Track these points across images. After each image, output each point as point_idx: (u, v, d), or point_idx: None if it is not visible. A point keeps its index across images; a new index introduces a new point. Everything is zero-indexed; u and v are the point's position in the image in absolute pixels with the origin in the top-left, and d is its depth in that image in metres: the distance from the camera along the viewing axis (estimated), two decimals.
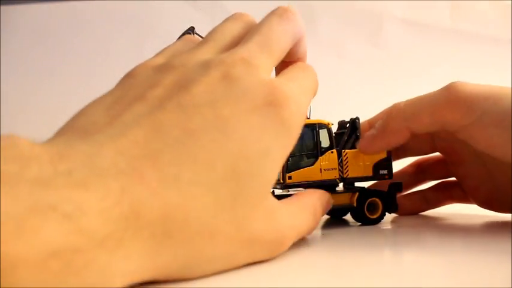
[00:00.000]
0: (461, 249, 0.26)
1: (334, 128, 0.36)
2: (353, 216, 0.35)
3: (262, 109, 0.22)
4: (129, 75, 0.24)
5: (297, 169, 0.32)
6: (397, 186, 0.35)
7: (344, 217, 0.39)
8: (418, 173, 0.39)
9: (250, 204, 0.21)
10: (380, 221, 0.34)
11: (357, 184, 0.35)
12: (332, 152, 0.33)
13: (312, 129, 0.33)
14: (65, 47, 0.88)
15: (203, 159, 0.19)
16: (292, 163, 0.32)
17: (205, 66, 0.23)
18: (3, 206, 0.14)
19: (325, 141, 0.33)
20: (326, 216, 0.39)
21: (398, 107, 0.30)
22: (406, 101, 0.30)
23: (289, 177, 0.32)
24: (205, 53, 0.25)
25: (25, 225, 0.14)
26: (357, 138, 0.34)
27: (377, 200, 0.34)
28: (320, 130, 0.33)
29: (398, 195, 0.38)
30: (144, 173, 0.18)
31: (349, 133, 0.35)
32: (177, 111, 0.20)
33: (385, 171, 0.34)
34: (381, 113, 0.37)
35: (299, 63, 0.28)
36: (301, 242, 0.28)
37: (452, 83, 0.28)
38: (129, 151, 0.18)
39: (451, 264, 0.22)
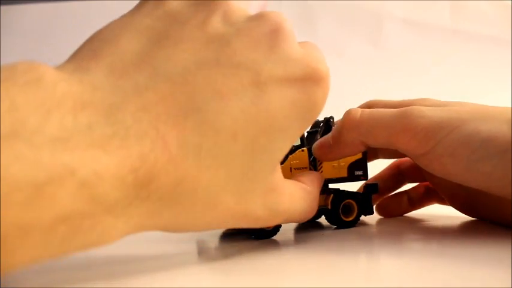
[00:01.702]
0: (452, 250, 0.26)
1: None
2: (327, 219, 0.34)
3: (298, 82, 0.21)
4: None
5: None
6: (373, 188, 0.34)
7: (318, 220, 0.38)
8: (397, 175, 0.39)
9: (257, 179, 0.21)
10: (355, 223, 0.33)
11: (331, 186, 0.34)
12: (303, 151, 0.32)
13: None
14: (65, 47, 0.88)
15: (228, 129, 0.19)
16: None
17: (255, 17, 0.21)
18: (25, 172, 0.14)
19: (296, 141, 0.32)
20: None
21: (353, 119, 0.29)
22: (362, 114, 0.29)
23: None
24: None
25: (43, 192, 0.14)
26: None
27: (352, 202, 0.33)
28: None
29: (384, 197, 0.38)
30: (166, 138, 0.17)
31: (322, 132, 0.34)
32: (215, 68, 0.19)
33: (361, 172, 0.33)
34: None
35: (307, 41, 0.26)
36: (275, 245, 0.28)
37: (411, 109, 0.27)
38: (155, 108, 0.17)
39: (441, 266, 0.22)
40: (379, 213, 0.38)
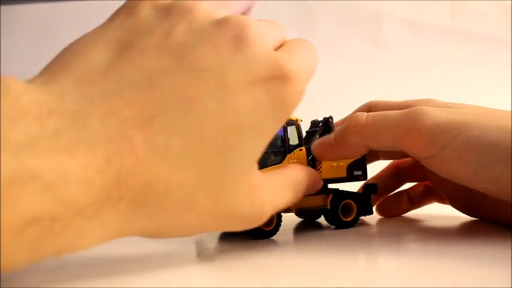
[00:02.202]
0: (452, 250, 0.26)
1: (306, 126, 0.35)
2: (327, 219, 0.34)
3: (264, 82, 0.21)
4: (130, 12, 0.22)
5: (264, 167, 0.30)
6: (372, 188, 0.34)
7: (317, 220, 0.38)
8: (396, 175, 0.39)
9: (234, 179, 0.21)
10: (354, 223, 0.33)
11: (330, 186, 0.34)
12: (301, 150, 0.32)
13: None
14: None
15: (195, 130, 0.19)
16: (259, 160, 0.31)
17: (218, 23, 0.21)
18: None
19: (293, 139, 0.32)
20: (299, 219, 0.38)
21: (359, 122, 0.29)
22: (368, 116, 0.29)
23: None
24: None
25: (6, 194, 0.14)
26: None
27: (351, 202, 0.33)
28: (288, 127, 0.32)
29: (383, 197, 0.38)
30: (133, 140, 0.17)
31: (321, 132, 0.34)
32: (179, 73, 0.20)
33: (360, 172, 0.33)
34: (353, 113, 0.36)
35: (300, 38, 0.26)
36: (274, 245, 0.28)
37: (416, 110, 0.27)
38: (122, 113, 0.18)
39: (440, 266, 0.22)
40: (380, 213, 0.38)
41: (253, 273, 0.22)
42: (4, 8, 0.90)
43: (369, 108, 0.36)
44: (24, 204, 0.14)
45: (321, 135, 0.33)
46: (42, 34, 0.90)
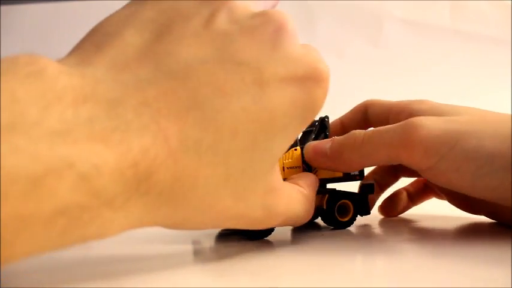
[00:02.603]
0: (451, 250, 0.26)
1: None
2: (323, 219, 0.33)
3: (299, 82, 0.20)
4: None
5: None
6: (369, 188, 0.34)
7: (315, 220, 0.38)
8: (392, 170, 0.39)
9: (254, 179, 0.21)
10: (351, 224, 0.33)
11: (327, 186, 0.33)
12: (296, 150, 0.31)
13: None
14: (65, 47, 0.88)
15: (228, 127, 0.19)
16: None
17: (258, 15, 0.21)
18: (22, 165, 0.14)
19: None
20: None
21: (357, 140, 0.29)
22: (365, 135, 0.29)
23: None
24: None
25: (41, 185, 0.14)
26: (326, 137, 0.34)
27: (348, 202, 0.33)
28: None
29: (381, 193, 0.38)
30: (167, 132, 0.17)
31: (317, 132, 0.34)
32: (217, 65, 0.19)
33: (356, 172, 0.32)
34: (351, 113, 0.36)
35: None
36: (271, 246, 0.28)
37: (411, 122, 0.27)
38: (156, 103, 0.17)
39: (440, 266, 0.22)
40: (382, 214, 0.38)
41: (249, 274, 0.22)
42: (4, 8, 0.90)
43: (365, 107, 0.36)
44: (58, 195, 0.14)
45: (316, 135, 0.33)
46: (42, 34, 0.90)
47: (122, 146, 0.16)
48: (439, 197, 0.38)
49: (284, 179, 0.29)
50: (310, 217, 0.27)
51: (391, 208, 0.38)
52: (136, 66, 0.18)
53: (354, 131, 0.30)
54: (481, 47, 0.90)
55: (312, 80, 0.21)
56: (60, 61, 0.18)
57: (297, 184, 0.27)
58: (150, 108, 0.17)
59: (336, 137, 0.31)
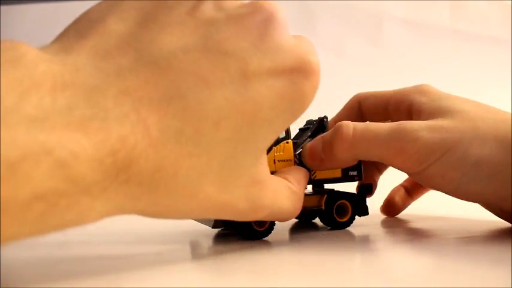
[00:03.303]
0: (451, 250, 0.26)
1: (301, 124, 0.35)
2: (321, 220, 0.33)
3: (287, 74, 0.20)
4: None
5: None
6: (367, 188, 0.34)
7: (313, 221, 0.37)
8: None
9: (238, 170, 0.21)
10: (349, 224, 0.33)
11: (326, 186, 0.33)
12: (287, 143, 0.31)
13: None
14: None
15: (211, 118, 0.18)
16: None
17: (247, 4, 0.21)
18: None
19: (281, 133, 0.31)
20: (294, 220, 0.38)
21: (346, 138, 0.29)
22: (355, 131, 0.29)
23: None
24: None
25: (18, 170, 0.14)
26: None
27: (346, 202, 0.33)
28: None
29: (390, 197, 0.38)
30: (147, 121, 0.17)
31: (314, 130, 0.34)
32: (201, 54, 0.19)
33: (355, 173, 0.32)
34: (344, 110, 0.36)
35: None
36: (269, 246, 0.28)
37: (404, 130, 0.27)
38: (137, 92, 0.17)
39: (440, 266, 0.22)
40: (385, 214, 0.38)
41: (247, 274, 0.22)
42: (4, 8, 0.90)
43: (358, 102, 0.36)
44: (34, 181, 0.14)
45: (314, 135, 0.33)
46: (42, 34, 0.90)
47: (100, 134, 0.16)
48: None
49: (275, 172, 0.29)
50: (297, 213, 0.27)
51: (392, 208, 0.38)
52: (118, 54, 0.18)
53: (340, 122, 0.29)
54: (481, 47, 0.90)
55: (301, 73, 0.20)
56: (42, 48, 0.18)
57: (286, 179, 0.27)
58: (131, 97, 0.17)
59: (325, 133, 0.31)
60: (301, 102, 0.21)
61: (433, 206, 0.40)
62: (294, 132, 0.34)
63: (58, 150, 0.15)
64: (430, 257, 0.25)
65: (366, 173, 0.34)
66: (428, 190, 0.38)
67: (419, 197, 0.38)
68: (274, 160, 0.31)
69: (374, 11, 0.93)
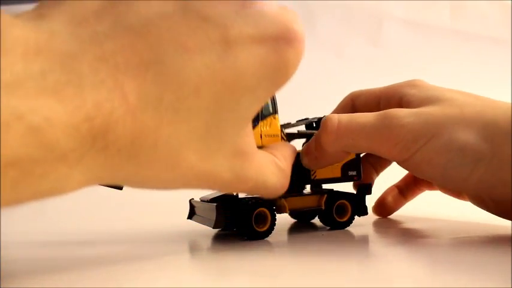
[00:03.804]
0: (451, 250, 0.26)
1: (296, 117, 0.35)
2: (321, 220, 0.34)
3: (270, 41, 0.20)
4: None
5: None
6: (367, 188, 0.34)
7: (312, 221, 0.38)
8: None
9: (221, 139, 0.20)
10: (349, 224, 0.33)
11: (324, 186, 0.34)
12: (274, 118, 0.31)
13: None
14: None
15: (190, 84, 0.18)
16: None
17: None
18: None
19: (268, 108, 0.31)
20: (293, 220, 0.38)
21: (331, 131, 0.29)
22: (340, 124, 0.29)
23: None
24: None
25: None
26: None
27: (346, 202, 0.33)
28: None
29: (382, 197, 0.38)
30: (124, 87, 0.16)
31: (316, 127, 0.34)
32: (180, 20, 0.18)
33: (354, 172, 0.33)
34: (338, 109, 0.36)
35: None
36: (267, 245, 0.28)
37: (390, 116, 0.28)
38: (114, 58, 0.17)
39: (440, 266, 0.22)
40: (377, 214, 0.38)
41: (247, 274, 0.22)
42: (4, 8, 0.90)
43: (351, 100, 0.36)
44: (6, 146, 0.14)
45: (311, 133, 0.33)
46: None
47: (75, 100, 0.15)
48: (431, 188, 0.38)
49: (262, 147, 0.29)
50: (284, 189, 0.26)
51: (384, 208, 0.38)
52: (95, 20, 0.17)
53: (326, 116, 0.30)
54: (481, 47, 0.90)
55: (284, 40, 0.20)
56: (17, 15, 0.17)
57: (273, 154, 0.26)
58: (107, 63, 0.16)
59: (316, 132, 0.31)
60: (284, 70, 0.21)
61: (432, 207, 0.40)
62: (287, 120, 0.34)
63: (30, 116, 0.14)
64: (430, 257, 0.25)
65: (363, 174, 0.34)
66: (423, 191, 0.38)
67: (413, 197, 0.39)
68: (261, 135, 0.31)
69: (374, 11, 0.93)
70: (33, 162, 0.15)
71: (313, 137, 0.31)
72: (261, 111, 0.31)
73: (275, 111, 0.31)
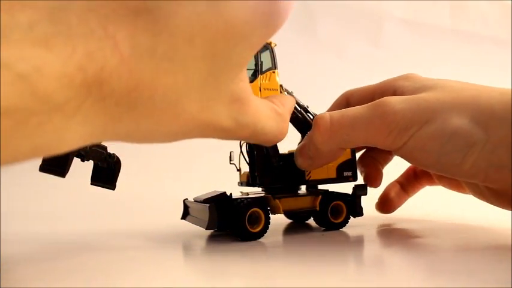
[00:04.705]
0: (451, 250, 0.26)
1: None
2: (316, 221, 0.34)
3: None
4: None
5: None
6: (362, 189, 0.34)
7: (307, 221, 0.38)
8: (412, 175, 0.39)
9: (218, 86, 0.20)
10: (344, 225, 0.33)
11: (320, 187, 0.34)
12: (274, 72, 0.31)
13: None
14: None
15: (183, 32, 0.18)
16: None
17: None
18: None
19: (267, 63, 0.32)
20: (288, 221, 0.38)
21: (324, 129, 0.29)
22: (332, 121, 0.29)
23: None
24: None
25: None
26: None
27: (341, 203, 0.33)
28: (261, 48, 0.31)
29: (385, 193, 0.38)
30: (116, 37, 0.16)
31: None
32: None
33: (350, 173, 0.33)
34: (333, 108, 0.36)
35: None
36: (261, 246, 0.28)
37: (382, 104, 0.27)
38: (102, 8, 0.16)
39: (441, 266, 0.22)
40: (381, 211, 0.38)
41: (240, 275, 0.22)
42: None
43: (346, 98, 0.36)
44: None
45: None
46: None
47: (65, 49, 0.15)
48: (432, 183, 0.37)
49: None
50: (282, 135, 0.26)
51: (388, 204, 0.37)
52: None
53: (317, 115, 0.29)
54: (481, 47, 0.90)
55: None
56: None
57: (271, 101, 0.26)
58: (96, 13, 0.16)
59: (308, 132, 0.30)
60: (276, 16, 0.21)
61: (430, 207, 0.39)
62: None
63: (19, 65, 0.14)
64: (427, 258, 0.25)
65: (371, 164, 0.33)
66: (424, 186, 0.38)
67: (415, 192, 0.38)
68: (260, 88, 0.31)
69: (374, 11, 0.93)
70: (28, 112, 0.14)
71: (306, 137, 0.31)
72: (261, 66, 0.31)
73: (275, 67, 0.32)
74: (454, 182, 0.34)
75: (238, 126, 0.22)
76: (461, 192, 0.35)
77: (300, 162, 0.31)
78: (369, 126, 0.28)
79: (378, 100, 0.28)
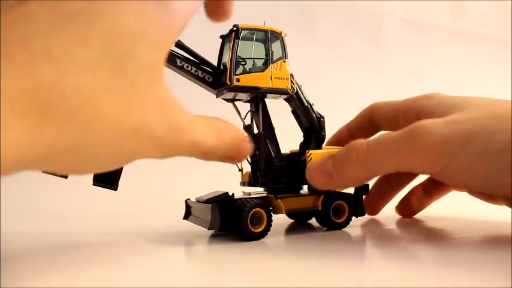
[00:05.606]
0: (452, 250, 0.26)
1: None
2: (318, 221, 0.34)
3: None
4: None
5: (246, 73, 0.31)
6: (364, 189, 0.34)
7: (309, 221, 0.38)
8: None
9: (138, 88, 0.20)
10: (346, 225, 0.33)
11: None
12: (284, 61, 0.32)
13: (264, 36, 0.32)
14: None
15: (76, 38, 0.19)
16: (240, 67, 0.31)
17: None
18: None
19: (278, 52, 0.32)
20: (290, 221, 0.38)
21: (362, 153, 0.28)
22: (369, 146, 0.28)
23: (237, 80, 0.30)
24: None
25: None
26: (322, 138, 0.34)
27: (343, 203, 0.33)
28: (272, 38, 0.32)
29: (406, 197, 0.37)
30: (11, 50, 0.17)
31: (310, 131, 0.34)
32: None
33: None
34: (357, 118, 0.36)
35: None
36: (264, 246, 0.28)
37: (417, 128, 0.27)
38: None
39: (441, 266, 0.22)
40: (401, 214, 0.37)
41: (243, 275, 0.22)
42: None
43: (371, 112, 0.35)
44: None
45: (310, 136, 0.33)
46: None
47: None
48: (459, 189, 0.37)
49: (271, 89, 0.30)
50: (223, 147, 0.25)
51: (407, 208, 0.37)
52: None
53: (353, 141, 0.29)
54: (481, 47, 0.90)
55: None
56: None
57: (209, 117, 0.25)
58: None
59: (334, 152, 0.30)
60: (168, 13, 0.21)
61: (432, 207, 0.39)
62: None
63: None
64: (430, 258, 0.25)
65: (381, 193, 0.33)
66: (451, 190, 0.37)
67: (440, 197, 0.38)
68: (271, 77, 0.31)
69: (374, 11, 0.93)
70: None
71: (330, 155, 0.30)
72: (271, 55, 0.32)
73: (285, 56, 0.32)
74: (484, 193, 0.34)
75: (175, 132, 0.22)
76: (495, 203, 0.34)
77: (314, 179, 0.30)
78: (403, 150, 0.27)
79: (412, 124, 0.27)
